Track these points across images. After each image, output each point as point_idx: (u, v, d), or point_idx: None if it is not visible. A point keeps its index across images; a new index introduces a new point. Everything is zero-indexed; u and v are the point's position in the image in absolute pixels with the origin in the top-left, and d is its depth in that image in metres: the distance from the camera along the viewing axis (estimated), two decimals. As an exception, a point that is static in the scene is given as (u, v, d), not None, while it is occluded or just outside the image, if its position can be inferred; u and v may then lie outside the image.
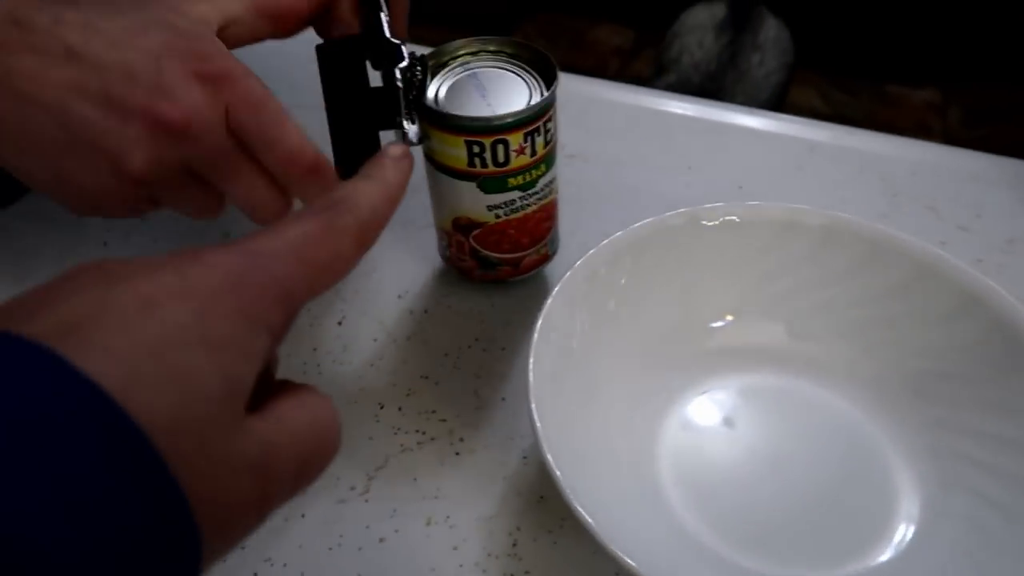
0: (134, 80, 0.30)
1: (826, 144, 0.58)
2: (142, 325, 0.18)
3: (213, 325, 0.19)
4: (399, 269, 0.48)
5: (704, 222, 0.42)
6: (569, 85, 0.43)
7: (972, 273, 0.38)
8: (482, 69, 0.40)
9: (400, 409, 0.41)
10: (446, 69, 0.40)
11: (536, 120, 0.38)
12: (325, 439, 0.22)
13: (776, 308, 0.42)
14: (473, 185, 0.39)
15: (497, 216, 0.41)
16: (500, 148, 0.38)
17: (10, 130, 0.31)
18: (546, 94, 0.38)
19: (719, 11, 1.30)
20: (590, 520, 0.30)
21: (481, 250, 0.42)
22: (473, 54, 0.41)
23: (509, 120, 0.37)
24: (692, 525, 0.35)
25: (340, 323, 0.45)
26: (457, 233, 0.42)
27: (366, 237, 0.23)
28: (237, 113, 0.32)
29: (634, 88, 0.65)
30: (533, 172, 0.40)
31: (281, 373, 0.43)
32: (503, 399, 0.41)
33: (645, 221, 0.41)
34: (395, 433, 0.40)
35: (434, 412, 0.41)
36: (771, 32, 1.27)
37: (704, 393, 0.40)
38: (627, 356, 0.40)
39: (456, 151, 0.38)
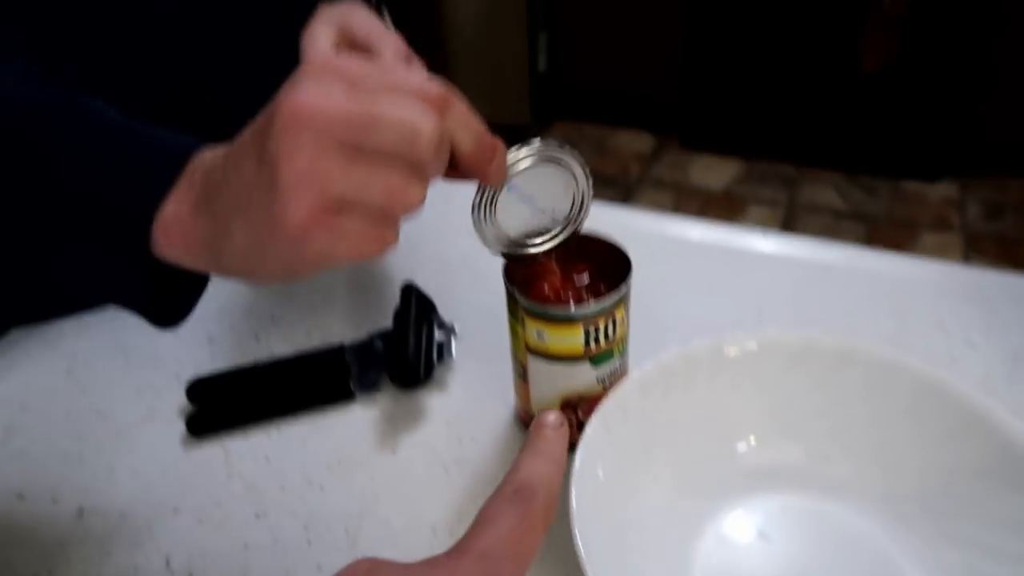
0: None
1: (838, 266, 0.62)
2: None
3: None
4: (447, 398, 0.52)
5: (726, 350, 0.46)
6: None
7: (973, 394, 0.41)
8: (518, 177, 0.40)
9: (451, 534, 0.44)
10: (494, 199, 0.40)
11: (627, 294, 0.44)
12: None
13: (796, 430, 0.45)
14: (587, 364, 0.44)
15: (604, 385, 0.45)
16: (611, 325, 0.43)
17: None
18: (631, 267, 0.44)
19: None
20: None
21: (586, 420, 0.45)
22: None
23: (616, 298, 0.43)
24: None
25: (394, 452, 0.49)
26: (566, 411, 0.46)
27: (551, 515, 0.28)
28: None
29: (653, 215, 0.70)
30: (626, 336, 0.46)
31: (340, 501, 0.46)
32: (546, 520, 0.45)
33: (672, 352, 0.45)
34: (448, 555, 0.43)
35: (483, 534, 0.44)
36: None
37: (731, 513, 0.43)
38: (661, 479, 0.43)
39: (574, 339, 0.43)
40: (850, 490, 0.43)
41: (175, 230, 0.33)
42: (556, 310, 0.43)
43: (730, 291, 0.60)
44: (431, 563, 0.25)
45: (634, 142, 2.65)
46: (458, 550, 0.26)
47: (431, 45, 2.56)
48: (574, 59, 2.63)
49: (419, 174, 0.31)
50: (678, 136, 2.59)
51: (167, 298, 0.37)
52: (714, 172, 2.46)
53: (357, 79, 0.30)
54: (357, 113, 0.29)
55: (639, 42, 2.49)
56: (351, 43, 0.53)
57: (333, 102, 0.29)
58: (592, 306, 0.43)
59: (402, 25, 0.62)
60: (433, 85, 0.31)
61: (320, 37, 0.53)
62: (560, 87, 2.70)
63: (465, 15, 2.50)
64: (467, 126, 0.33)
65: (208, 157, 0.34)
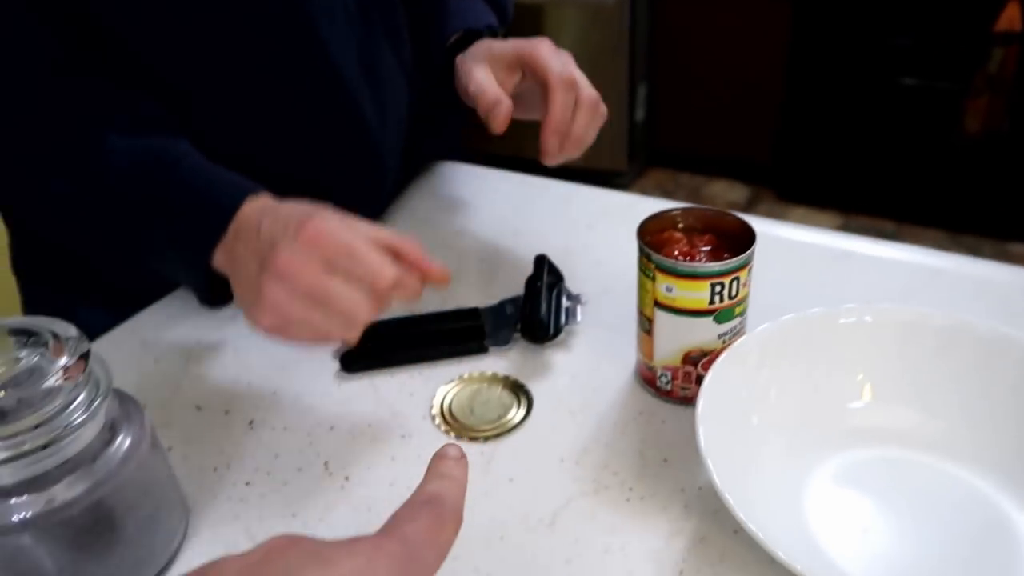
0: None
1: (947, 270, 0.65)
2: None
3: None
4: (572, 356, 0.57)
5: (840, 319, 0.50)
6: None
7: (1087, 367, 0.43)
8: None
9: (577, 463, 0.49)
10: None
11: (751, 258, 0.48)
12: None
13: (908, 393, 0.48)
14: (710, 320, 0.49)
15: (723, 341, 0.50)
16: (735, 284, 0.48)
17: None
18: (755, 235, 0.49)
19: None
20: (756, 531, 0.36)
21: (704, 374, 0.49)
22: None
23: (741, 261, 0.47)
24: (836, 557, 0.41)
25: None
26: (686, 365, 0.51)
27: (458, 524, 0.32)
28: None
29: (764, 220, 0.74)
30: (747, 298, 0.50)
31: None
32: (665, 460, 0.49)
33: (788, 316, 0.49)
34: (574, 481, 0.48)
35: (606, 467, 0.48)
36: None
37: (845, 460, 0.46)
38: (776, 426, 0.47)
39: (700, 294, 0.48)
40: (964, 450, 0.46)
41: (217, 262, 0.53)
42: (687, 266, 0.48)
43: (839, 289, 0.64)
44: (354, 540, 0.28)
45: (729, 192, 2.67)
46: (381, 533, 0.28)
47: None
48: (672, 111, 2.69)
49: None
50: (774, 189, 2.61)
51: (218, 293, 0.57)
52: (811, 224, 2.45)
53: (332, 258, 0.44)
54: (320, 288, 0.44)
55: (737, 96, 2.53)
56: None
57: (307, 271, 0.44)
58: (720, 265, 0.47)
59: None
60: (384, 275, 0.45)
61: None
62: (656, 137, 2.76)
63: (570, 63, 2.61)
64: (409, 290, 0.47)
65: (248, 216, 0.51)
